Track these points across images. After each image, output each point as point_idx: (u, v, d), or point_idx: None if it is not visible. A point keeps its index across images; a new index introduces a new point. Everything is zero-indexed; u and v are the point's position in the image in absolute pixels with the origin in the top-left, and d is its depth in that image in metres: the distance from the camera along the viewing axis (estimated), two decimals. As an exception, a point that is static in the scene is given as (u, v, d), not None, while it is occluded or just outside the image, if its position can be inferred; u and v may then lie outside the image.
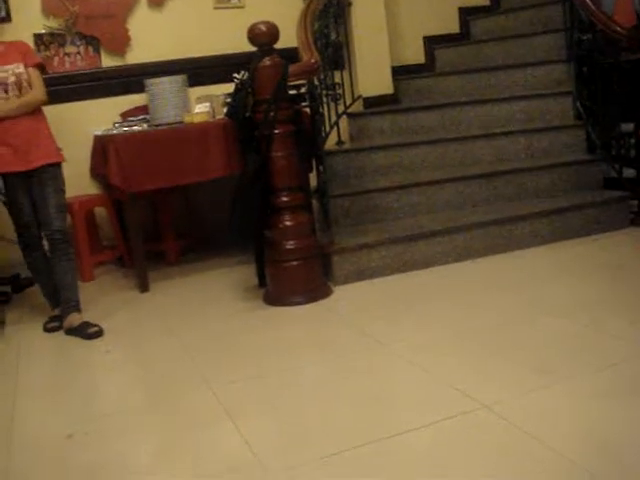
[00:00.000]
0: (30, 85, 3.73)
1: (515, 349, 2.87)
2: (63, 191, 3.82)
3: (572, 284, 3.60)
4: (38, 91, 3.75)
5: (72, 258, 3.83)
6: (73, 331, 3.72)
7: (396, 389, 2.70)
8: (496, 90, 5.22)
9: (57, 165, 3.80)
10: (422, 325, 3.27)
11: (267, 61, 3.73)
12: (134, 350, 3.54)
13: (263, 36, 3.75)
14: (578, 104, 4.80)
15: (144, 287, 4.36)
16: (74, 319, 3.74)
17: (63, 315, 3.79)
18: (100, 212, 5.07)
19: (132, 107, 5.05)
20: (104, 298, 4.37)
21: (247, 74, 3.84)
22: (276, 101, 3.69)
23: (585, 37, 4.71)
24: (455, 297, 3.62)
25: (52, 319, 3.89)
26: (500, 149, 4.77)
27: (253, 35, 3.77)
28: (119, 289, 4.54)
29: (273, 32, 3.77)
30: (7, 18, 4.76)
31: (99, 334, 3.65)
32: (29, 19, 4.91)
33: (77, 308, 3.80)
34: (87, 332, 3.65)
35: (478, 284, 3.80)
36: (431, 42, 5.88)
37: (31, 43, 4.83)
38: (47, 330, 3.85)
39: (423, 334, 3.16)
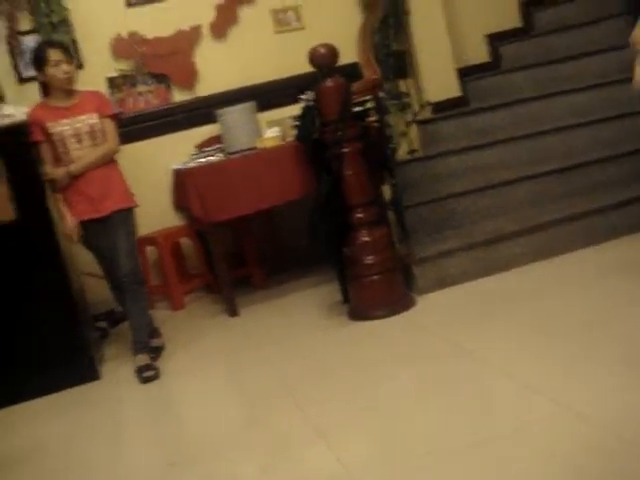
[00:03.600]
0: (104, 135, 3.89)
1: (604, 348, 2.83)
2: (134, 234, 3.94)
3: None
4: (112, 143, 3.92)
5: (142, 299, 3.91)
6: (136, 372, 3.74)
7: (484, 396, 2.71)
8: (563, 82, 5.15)
9: (129, 210, 3.95)
10: (507, 330, 3.27)
11: (329, 82, 3.81)
12: (226, 373, 3.65)
13: (323, 58, 3.83)
14: (649, 88, 4.71)
15: (233, 312, 4.48)
16: (139, 360, 3.79)
17: (134, 355, 3.86)
18: (185, 242, 5.24)
19: (206, 138, 5.20)
20: (195, 325, 4.54)
21: (312, 95, 3.93)
22: (342, 120, 3.76)
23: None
24: (538, 298, 3.59)
25: None
26: (572, 142, 4.70)
27: (313, 58, 3.85)
28: (209, 315, 4.69)
29: (333, 53, 3.84)
30: (80, 66, 4.97)
31: (152, 379, 3.66)
32: (101, 64, 5.15)
33: (145, 349, 3.85)
34: (142, 376, 3.68)
35: (560, 283, 3.75)
36: (494, 39, 5.83)
37: (104, 86, 5.07)
38: None
39: (508, 339, 3.17)
